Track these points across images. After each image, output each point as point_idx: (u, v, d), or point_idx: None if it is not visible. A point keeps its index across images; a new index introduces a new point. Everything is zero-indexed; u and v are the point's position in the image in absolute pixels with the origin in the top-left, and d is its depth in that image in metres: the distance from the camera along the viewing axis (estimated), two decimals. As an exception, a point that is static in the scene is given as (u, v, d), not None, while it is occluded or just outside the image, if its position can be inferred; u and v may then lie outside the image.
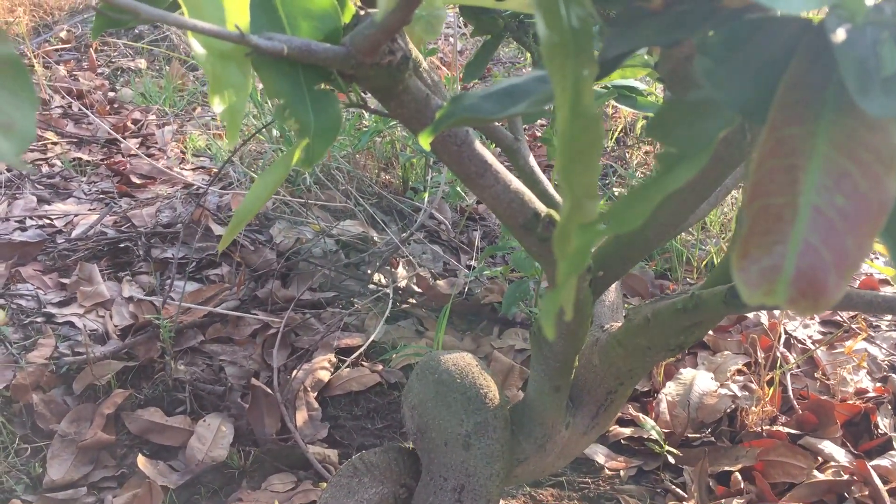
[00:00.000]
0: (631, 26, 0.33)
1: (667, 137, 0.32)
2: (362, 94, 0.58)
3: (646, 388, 1.45)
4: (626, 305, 1.68)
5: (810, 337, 1.59)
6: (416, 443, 1.00)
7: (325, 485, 1.21)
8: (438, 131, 0.38)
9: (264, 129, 2.13)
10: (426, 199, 1.98)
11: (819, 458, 1.21)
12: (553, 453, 0.99)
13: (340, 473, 1.01)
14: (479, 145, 0.61)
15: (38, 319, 1.51)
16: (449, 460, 0.94)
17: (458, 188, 1.99)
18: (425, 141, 0.39)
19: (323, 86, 0.50)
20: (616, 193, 2.20)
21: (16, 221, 1.87)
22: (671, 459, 1.24)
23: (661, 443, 1.25)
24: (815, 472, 1.18)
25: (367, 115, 2.08)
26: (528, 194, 0.65)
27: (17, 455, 1.23)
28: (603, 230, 0.31)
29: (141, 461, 1.22)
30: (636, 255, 0.80)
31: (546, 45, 0.30)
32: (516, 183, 0.65)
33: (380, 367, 1.50)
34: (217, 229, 1.81)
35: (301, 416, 1.36)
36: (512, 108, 0.38)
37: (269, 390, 1.36)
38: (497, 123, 0.93)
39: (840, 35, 0.28)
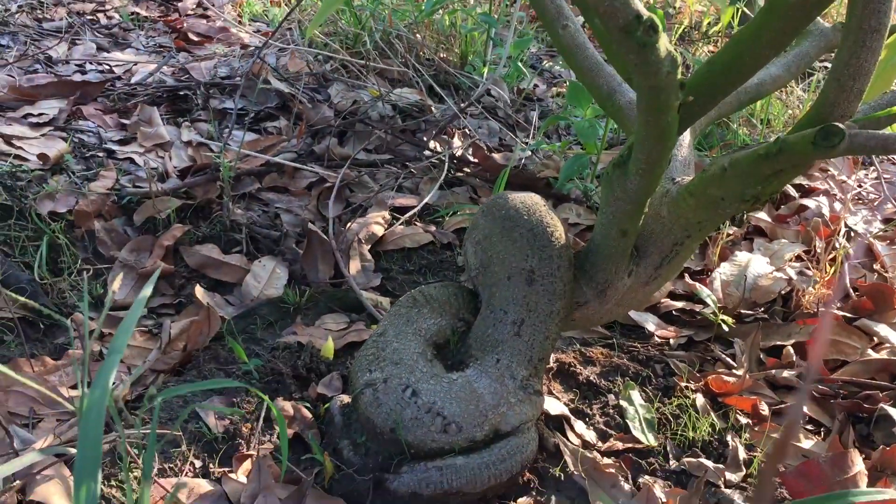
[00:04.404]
0: None
1: None
2: None
3: (699, 268, 1.44)
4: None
5: (870, 232, 1.56)
6: (477, 279, 1.00)
7: (376, 326, 1.23)
8: None
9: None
10: (485, 74, 1.94)
11: (874, 340, 1.20)
12: (612, 300, 0.98)
13: (399, 303, 1.02)
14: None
15: (100, 154, 1.52)
16: (511, 294, 0.94)
17: (519, 64, 1.94)
18: None
19: None
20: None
21: (76, 65, 1.87)
22: (725, 328, 1.23)
23: (716, 311, 1.24)
24: (870, 352, 1.17)
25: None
26: (633, -7, 0.62)
27: (79, 275, 1.26)
28: None
29: (199, 291, 1.24)
30: (727, 85, 0.77)
31: None
32: (622, -21, 0.61)
33: (433, 227, 1.50)
34: (276, 84, 1.80)
35: (354, 265, 1.37)
36: None
37: (324, 236, 1.37)
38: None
39: None
